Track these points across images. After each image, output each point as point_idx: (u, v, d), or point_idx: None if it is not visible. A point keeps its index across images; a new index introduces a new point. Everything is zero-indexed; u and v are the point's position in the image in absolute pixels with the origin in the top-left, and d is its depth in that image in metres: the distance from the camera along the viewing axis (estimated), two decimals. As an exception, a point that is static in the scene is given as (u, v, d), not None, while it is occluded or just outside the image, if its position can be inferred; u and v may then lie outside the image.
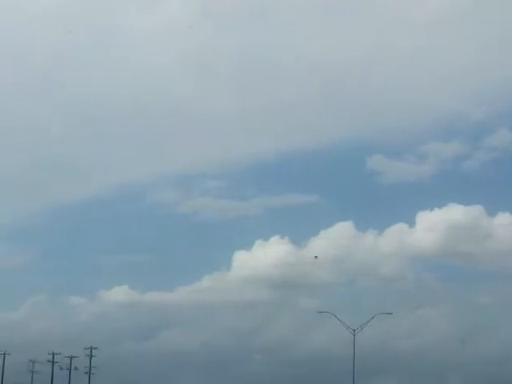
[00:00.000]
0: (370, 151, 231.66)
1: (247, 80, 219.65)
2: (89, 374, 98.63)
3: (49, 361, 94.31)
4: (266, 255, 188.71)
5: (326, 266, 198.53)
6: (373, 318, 70.20)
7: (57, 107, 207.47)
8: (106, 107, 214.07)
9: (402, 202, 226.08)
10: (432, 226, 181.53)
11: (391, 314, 78.13)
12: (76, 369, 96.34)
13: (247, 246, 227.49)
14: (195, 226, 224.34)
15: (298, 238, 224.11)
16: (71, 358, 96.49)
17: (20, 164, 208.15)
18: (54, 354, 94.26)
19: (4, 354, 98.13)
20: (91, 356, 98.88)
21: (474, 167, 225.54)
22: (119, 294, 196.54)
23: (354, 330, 69.35)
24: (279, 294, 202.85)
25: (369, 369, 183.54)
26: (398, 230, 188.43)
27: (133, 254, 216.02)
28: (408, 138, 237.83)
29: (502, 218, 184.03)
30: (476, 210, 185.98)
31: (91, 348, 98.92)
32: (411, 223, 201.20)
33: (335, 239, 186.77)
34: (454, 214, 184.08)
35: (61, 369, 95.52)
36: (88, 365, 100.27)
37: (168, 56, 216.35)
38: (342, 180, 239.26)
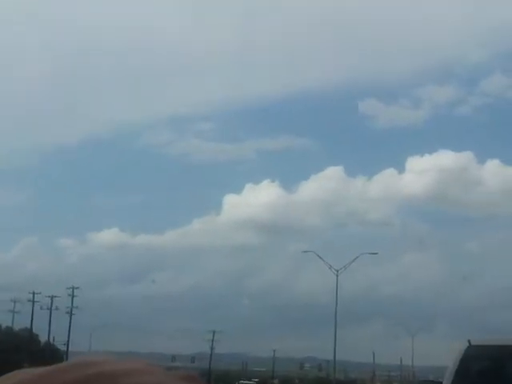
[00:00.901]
0: (363, 94, 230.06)
1: (243, 21, 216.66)
2: (70, 313, 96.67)
3: (29, 300, 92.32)
4: (256, 199, 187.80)
5: (315, 210, 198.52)
6: (357, 257, 68.10)
7: (50, 43, 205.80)
8: (100, 48, 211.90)
9: (393, 147, 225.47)
10: (421, 172, 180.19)
11: (376, 253, 76.41)
12: (57, 308, 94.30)
13: (238, 189, 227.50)
14: (187, 168, 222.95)
15: (288, 182, 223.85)
16: (52, 297, 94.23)
17: (14, 105, 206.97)
18: (34, 293, 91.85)
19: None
20: (73, 296, 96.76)
21: (467, 113, 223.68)
22: (109, 236, 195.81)
23: (338, 271, 67.09)
24: (268, 238, 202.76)
25: (356, 313, 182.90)
26: (387, 175, 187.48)
27: (124, 196, 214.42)
28: (403, 81, 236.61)
29: (492, 165, 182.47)
30: (466, 157, 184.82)
31: (73, 288, 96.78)
32: (401, 169, 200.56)
33: (325, 184, 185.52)
34: (444, 160, 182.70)
35: (41, 308, 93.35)
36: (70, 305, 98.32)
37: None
38: (335, 123, 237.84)
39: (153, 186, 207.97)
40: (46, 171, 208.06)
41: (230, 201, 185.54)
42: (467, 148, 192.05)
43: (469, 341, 13.16)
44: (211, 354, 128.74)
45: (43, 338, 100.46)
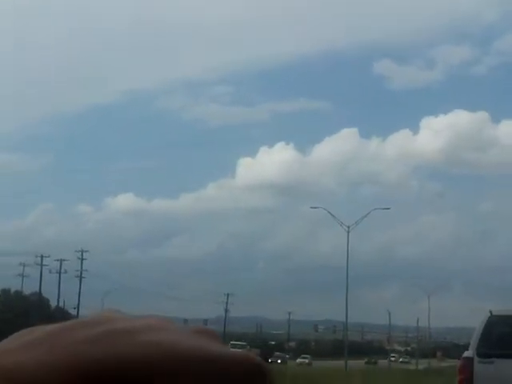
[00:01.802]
0: (378, 55, 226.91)
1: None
2: (80, 277, 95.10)
3: (38, 264, 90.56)
4: (271, 162, 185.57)
5: (330, 172, 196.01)
6: (369, 213, 65.82)
7: (65, 13, 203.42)
8: (113, 16, 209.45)
9: (407, 108, 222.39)
10: (436, 132, 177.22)
11: (389, 208, 74.20)
12: (66, 272, 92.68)
13: (252, 152, 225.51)
14: (201, 133, 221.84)
15: (302, 145, 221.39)
16: (61, 260, 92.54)
17: (29, 73, 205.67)
18: (42, 257, 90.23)
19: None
20: (82, 259, 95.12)
21: (481, 72, 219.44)
22: (125, 201, 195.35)
23: (349, 227, 64.87)
24: (283, 201, 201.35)
25: (372, 275, 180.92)
26: (402, 136, 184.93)
27: (139, 161, 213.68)
28: (417, 41, 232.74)
29: (507, 125, 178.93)
30: (481, 117, 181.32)
31: (82, 251, 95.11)
32: (415, 130, 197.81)
33: (339, 146, 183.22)
34: (459, 120, 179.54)
35: (50, 272, 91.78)
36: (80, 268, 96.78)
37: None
38: (349, 85, 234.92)
39: (167, 150, 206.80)
40: (63, 138, 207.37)
41: (245, 164, 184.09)
42: (482, 108, 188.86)
43: (490, 311, 15.23)
44: (225, 317, 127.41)
45: (54, 303, 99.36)
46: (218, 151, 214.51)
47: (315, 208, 70.26)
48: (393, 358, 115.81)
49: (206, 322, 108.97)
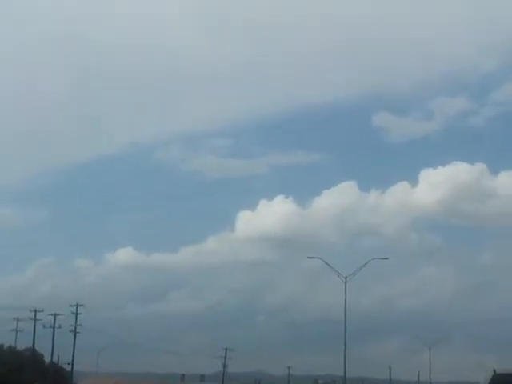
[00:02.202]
0: (376, 108, 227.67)
1: (254, 36, 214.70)
2: (74, 332, 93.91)
3: (31, 318, 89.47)
4: (270, 215, 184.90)
5: (329, 225, 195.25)
6: (367, 263, 65.14)
7: (64, 65, 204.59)
8: (114, 67, 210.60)
9: (406, 160, 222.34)
10: (435, 185, 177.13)
11: (387, 258, 73.16)
12: (60, 327, 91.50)
13: (252, 205, 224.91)
14: (200, 185, 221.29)
15: (302, 198, 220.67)
16: (55, 315, 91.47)
17: (27, 126, 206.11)
18: (36, 311, 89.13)
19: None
20: (76, 314, 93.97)
21: (479, 123, 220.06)
22: (124, 255, 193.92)
23: (346, 277, 64.05)
24: (283, 254, 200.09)
25: (372, 329, 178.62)
26: (400, 188, 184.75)
27: (138, 214, 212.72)
28: (415, 93, 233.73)
29: (505, 177, 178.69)
30: (480, 169, 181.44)
31: (77, 305, 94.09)
32: (414, 182, 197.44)
33: (338, 199, 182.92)
34: (458, 172, 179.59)
35: (44, 327, 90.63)
36: (76, 323, 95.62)
37: (174, 6, 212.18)
38: (348, 137, 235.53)
39: (167, 202, 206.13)
40: (61, 190, 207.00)
41: (245, 217, 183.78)
42: (480, 159, 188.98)
43: (494, 370, 16.08)
44: (224, 372, 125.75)
45: (48, 358, 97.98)
46: (218, 204, 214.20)
47: (312, 258, 69.73)
48: None
49: (203, 377, 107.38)
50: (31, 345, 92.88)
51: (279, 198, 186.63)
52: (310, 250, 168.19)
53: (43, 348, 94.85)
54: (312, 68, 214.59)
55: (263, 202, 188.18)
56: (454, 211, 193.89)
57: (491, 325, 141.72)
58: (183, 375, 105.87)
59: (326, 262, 65.98)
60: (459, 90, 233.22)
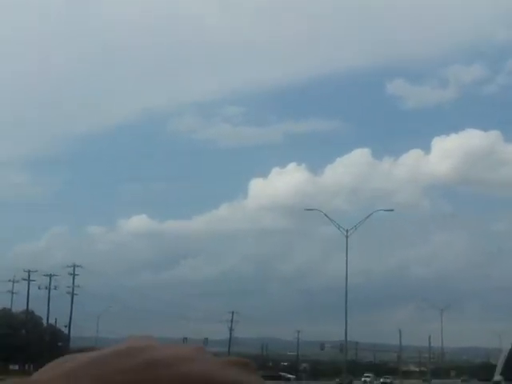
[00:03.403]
0: (391, 75, 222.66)
1: (269, 8, 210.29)
2: (72, 294, 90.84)
3: (24, 279, 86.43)
4: (283, 183, 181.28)
5: (342, 193, 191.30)
6: (370, 215, 61.56)
7: (77, 36, 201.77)
8: (126, 35, 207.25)
9: (420, 128, 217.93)
10: (448, 152, 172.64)
11: (392, 210, 69.56)
12: (55, 288, 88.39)
13: (264, 173, 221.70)
14: (213, 154, 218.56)
15: (315, 165, 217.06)
16: (50, 276, 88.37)
17: (40, 95, 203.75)
18: (29, 272, 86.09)
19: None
20: (74, 275, 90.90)
21: (494, 91, 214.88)
22: (138, 222, 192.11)
23: (347, 231, 60.47)
24: (295, 222, 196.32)
25: (386, 295, 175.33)
26: (413, 156, 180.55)
27: (152, 182, 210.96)
28: (430, 61, 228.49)
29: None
30: (493, 136, 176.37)
31: (74, 266, 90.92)
32: (427, 149, 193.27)
33: (352, 166, 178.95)
34: (471, 139, 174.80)
35: (39, 288, 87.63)
36: (76, 284, 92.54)
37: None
38: (362, 105, 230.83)
39: (180, 171, 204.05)
40: (76, 158, 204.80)
41: (257, 185, 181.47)
42: (494, 127, 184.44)
43: None
44: (230, 336, 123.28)
45: (50, 321, 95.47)
46: (231, 172, 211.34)
47: (311, 210, 66.23)
48: (368, 379, 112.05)
49: (206, 341, 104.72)
50: (35, 307, 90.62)
51: (292, 166, 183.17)
52: (322, 217, 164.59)
53: (43, 311, 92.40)
54: (327, 36, 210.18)
55: (276, 170, 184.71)
56: (468, 179, 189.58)
57: (503, 292, 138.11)
58: (185, 338, 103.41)
59: (325, 215, 62.71)
60: (474, 58, 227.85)
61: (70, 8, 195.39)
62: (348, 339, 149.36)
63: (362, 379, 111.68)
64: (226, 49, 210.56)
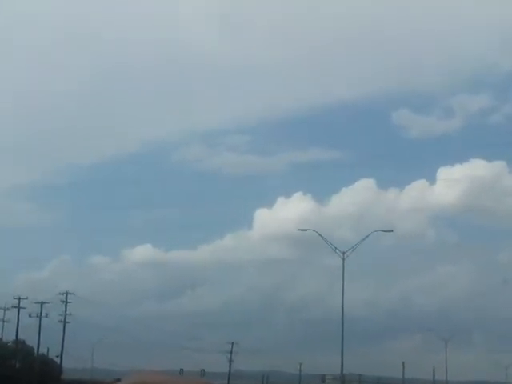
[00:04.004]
0: (396, 105, 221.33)
1: (270, 35, 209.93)
2: (64, 322, 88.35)
3: (14, 306, 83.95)
4: (288, 212, 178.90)
5: (347, 223, 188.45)
6: (368, 236, 59.40)
7: (81, 64, 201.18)
8: (131, 64, 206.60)
9: (425, 158, 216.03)
10: (452, 183, 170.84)
11: (391, 231, 67.31)
12: (46, 316, 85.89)
13: (269, 203, 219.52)
14: (218, 183, 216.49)
15: (320, 195, 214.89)
16: (42, 303, 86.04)
17: (45, 124, 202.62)
18: (19, 299, 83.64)
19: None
20: (66, 302, 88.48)
21: (500, 121, 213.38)
22: (143, 252, 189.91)
23: (344, 253, 58.11)
24: (300, 253, 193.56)
25: (388, 326, 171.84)
26: (419, 186, 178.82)
27: (156, 211, 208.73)
28: (435, 91, 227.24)
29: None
30: (499, 166, 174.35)
31: (66, 293, 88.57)
32: (432, 180, 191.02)
33: (357, 197, 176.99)
34: (475, 169, 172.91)
35: (29, 316, 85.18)
36: (69, 313, 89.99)
37: (190, 5, 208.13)
38: (367, 135, 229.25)
39: (186, 200, 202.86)
40: (79, 188, 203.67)
41: (262, 215, 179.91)
42: (500, 157, 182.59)
43: None
44: (230, 368, 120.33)
45: (42, 350, 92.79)
46: (235, 201, 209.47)
47: (304, 230, 63.98)
48: None
49: (203, 372, 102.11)
50: (27, 337, 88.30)
51: (297, 196, 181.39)
52: (327, 247, 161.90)
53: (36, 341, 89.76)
54: (331, 65, 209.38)
55: (281, 200, 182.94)
56: (473, 209, 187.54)
57: (509, 323, 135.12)
58: (181, 370, 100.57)
59: (320, 235, 60.59)
60: (479, 87, 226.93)
61: (69, 34, 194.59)
62: (351, 371, 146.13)
63: None
64: (230, 78, 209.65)
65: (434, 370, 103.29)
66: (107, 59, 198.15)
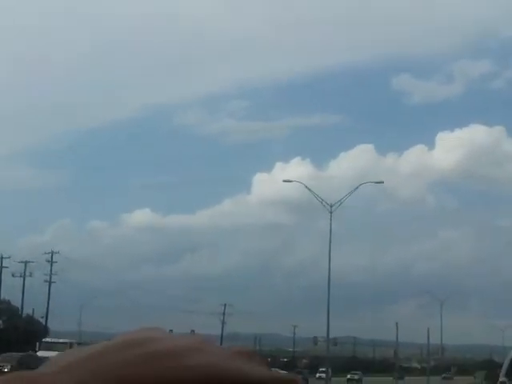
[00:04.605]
0: (397, 70, 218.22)
1: (274, 3, 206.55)
2: (49, 282, 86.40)
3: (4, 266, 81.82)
4: (286, 177, 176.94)
5: (346, 188, 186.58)
6: (356, 189, 57.41)
7: (84, 31, 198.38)
8: (130, 31, 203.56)
9: (425, 123, 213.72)
10: (451, 148, 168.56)
11: (382, 182, 65.12)
12: (30, 275, 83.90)
13: (268, 168, 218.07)
14: (217, 148, 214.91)
15: (319, 160, 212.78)
16: (26, 263, 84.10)
17: (44, 92, 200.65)
18: (2, 258, 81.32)
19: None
20: (52, 262, 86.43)
21: (501, 87, 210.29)
22: (141, 216, 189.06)
23: (331, 206, 56.14)
24: (298, 217, 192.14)
25: (388, 291, 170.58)
26: (418, 151, 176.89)
27: (156, 176, 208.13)
28: (437, 56, 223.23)
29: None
30: (498, 131, 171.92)
31: (52, 253, 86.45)
32: (431, 145, 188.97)
33: (356, 161, 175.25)
34: (475, 134, 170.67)
35: (13, 275, 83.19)
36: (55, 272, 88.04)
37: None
38: (367, 100, 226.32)
39: (184, 165, 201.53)
40: (78, 153, 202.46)
41: (261, 179, 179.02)
42: (500, 122, 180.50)
43: None
44: (222, 330, 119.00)
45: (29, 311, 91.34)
46: (234, 166, 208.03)
47: (289, 181, 61.81)
48: (356, 376, 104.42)
49: (193, 331, 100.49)
50: (12, 297, 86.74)
51: (296, 161, 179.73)
52: (325, 212, 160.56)
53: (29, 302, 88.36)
54: (331, 31, 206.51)
55: (279, 165, 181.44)
56: (472, 174, 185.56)
57: (508, 288, 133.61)
58: (170, 331, 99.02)
59: (306, 187, 58.72)
60: (481, 53, 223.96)
61: (70, 8, 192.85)
62: (347, 334, 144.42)
63: (348, 376, 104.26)
64: (231, 43, 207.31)
65: (428, 331, 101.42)
66: (108, 27, 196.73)
